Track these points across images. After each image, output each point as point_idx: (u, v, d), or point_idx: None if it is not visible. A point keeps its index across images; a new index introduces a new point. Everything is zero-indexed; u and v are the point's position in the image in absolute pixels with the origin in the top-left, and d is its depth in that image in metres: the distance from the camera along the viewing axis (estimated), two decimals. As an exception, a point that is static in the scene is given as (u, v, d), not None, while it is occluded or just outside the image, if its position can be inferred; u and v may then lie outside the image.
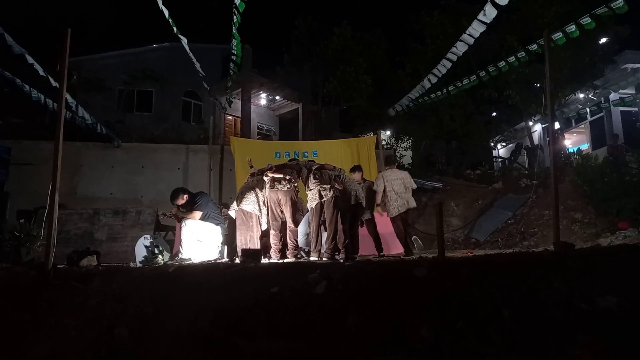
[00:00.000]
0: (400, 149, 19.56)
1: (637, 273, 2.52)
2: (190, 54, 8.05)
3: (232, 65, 8.64)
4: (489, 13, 6.41)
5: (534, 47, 7.48)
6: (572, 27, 6.70)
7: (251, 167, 8.39)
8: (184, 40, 7.44)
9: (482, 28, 6.82)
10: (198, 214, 5.81)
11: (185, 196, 5.88)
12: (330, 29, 17.19)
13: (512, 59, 8.03)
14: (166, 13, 6.59)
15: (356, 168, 7.47)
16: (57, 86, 4.63)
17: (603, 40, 13.33)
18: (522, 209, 10.64)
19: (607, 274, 2.51)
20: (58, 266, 4.12)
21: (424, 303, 2.35)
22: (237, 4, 6.61)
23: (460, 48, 7.49)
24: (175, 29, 7.05)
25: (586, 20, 6.49)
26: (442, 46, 15.01)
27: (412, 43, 17.16)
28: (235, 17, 6.87)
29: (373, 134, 12.15)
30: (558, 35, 6.89)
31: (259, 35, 40.78)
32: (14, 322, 2.46)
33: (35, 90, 8.24)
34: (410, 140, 20.06)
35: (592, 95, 13.18)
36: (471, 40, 7.18)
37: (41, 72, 7.33)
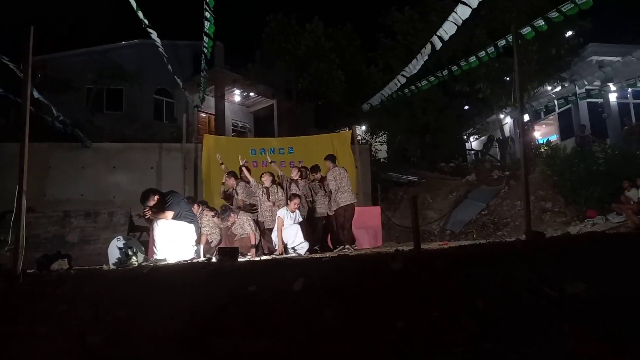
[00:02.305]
0: (376, 144, 19.70)
1: (604, 260, 2.61)
2: (161, 49, 7.87)
3: (203, 63, 8.52)
4: (462, 13, 6.49)
5: (503, 42, 7.62)
6: (541, 22, 6.86)
7: (221, 164, 8.35)
8: (154, 34, 7.23)
9: (453, 29, 6.92)
10: (170, 213, 5.75)
11: (156, 197, 5.80)
12: (302, 25, 17.13)
13: (482, 54, 8.17)
14: (134, 5, 6.39)
15: (328, 157, 7.73)
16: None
17: (569, 33, 13.68)
18: (494, 200, 10.88)
19: (575, 262, 2.59)
20: (27, 271, 4.00)
21: (401, 296, 2.38)
22: (208, 0, 6.51)
23: (428, 49, 7.60)
24: (146, 21, 6.85)
25: (554, 14, 6.65)
26: (413, 41, 15.19)
27: (384, 39, 17.27)
28: (207, 13, 6.77)
29: (348, 129, 12.18)
30: (527, 30, 7.03)
31: (231, 32, 40.37)
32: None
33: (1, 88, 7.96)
34: (385, 135, 20.23)
35: (560, 89, 13.52)
36: (439, 45, 7.30)
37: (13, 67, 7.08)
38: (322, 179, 7.68)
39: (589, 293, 2.14)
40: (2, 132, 11.59)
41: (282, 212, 7.04)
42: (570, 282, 2.22)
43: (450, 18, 6.73)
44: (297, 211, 7.16)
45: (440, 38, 7.22)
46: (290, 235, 6.99)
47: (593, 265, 2.51)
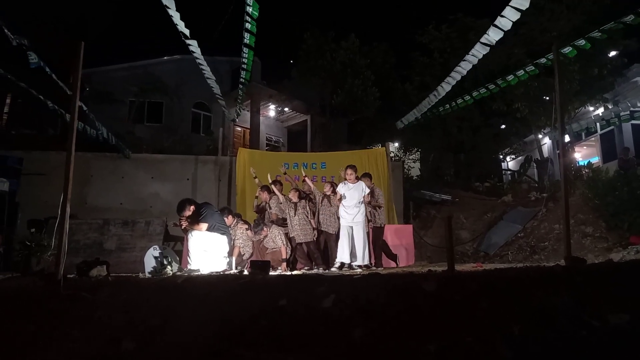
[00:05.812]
0: (409, 161, 19.53)
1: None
2: (204, 64, 7.90)
3: (242, 73, 8.55)
4: (493, 35, 6.44)
5: (543, 60, 7.47)
6: (582, 42, 6.69)
7: (255, 177, 8.46)
8: (195, 44, 7.22)
9: (485, 50, 6.88)
10: (204, 225, 5.87)
11: (192, 207, 5.95)
12: (337, 42, 17.31)
13: (520, 72, 8.02)
14: (179, 24, 6.46)
15: (366, 175, 7.82)
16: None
17: (612, 53, 13.27)
18: (532, 222, 10.55)
19: (618, 290, 2.47)
20: (68, 276, 4.15)
21: (433, 317, 2.33)
22: (250, 11, 6.55)
23: (464, 67, 7.52)
24: (188, 33, 6.87)
25: (597, 34, 6.49)
26: (450, 59, 15.08)
27: (420, 56, 17.24)
28: (247, 24, 6.81)
29: (381, 146, 12.13)
30: (568, 49, 6.88)
31: (268, 48, 41.25)
32: (17, 333, 2.47)
33: (50, 101, 8.30)
34: (418, 152, 20.04)
35: (603, 111, 13.09)
36: (475, 60, 7.22)
37: (61, 85, 7.37)
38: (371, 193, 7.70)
39: (633, 324, 2.04)
40: (50, 141, 12.15)
41: (340, 187, 7.30)
42: (613, 311, 2.12)
43: (482, 39, 6.67)
44: (360, 182, 7.31)
45: (473, 55, 7.16)
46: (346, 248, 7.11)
47: (637, 295, 2.39)
